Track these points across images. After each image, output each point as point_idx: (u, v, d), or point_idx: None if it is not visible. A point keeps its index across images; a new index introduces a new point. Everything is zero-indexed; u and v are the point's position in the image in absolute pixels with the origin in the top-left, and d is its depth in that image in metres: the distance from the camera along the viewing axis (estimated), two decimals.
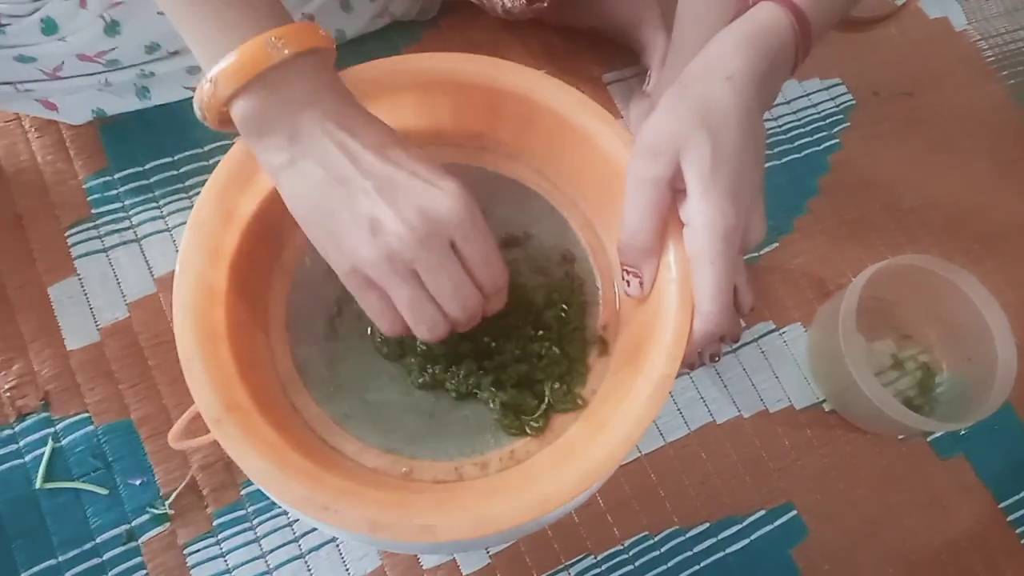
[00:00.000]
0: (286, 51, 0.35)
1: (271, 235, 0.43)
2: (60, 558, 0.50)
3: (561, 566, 0.54)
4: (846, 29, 0.77)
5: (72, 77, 0.55)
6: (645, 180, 0.39)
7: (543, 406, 0.43)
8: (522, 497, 0.36)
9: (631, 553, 0.56)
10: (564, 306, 0.45)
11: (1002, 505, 0.61)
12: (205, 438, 0.40)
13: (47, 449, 0.52)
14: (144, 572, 0.50)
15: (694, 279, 0.39)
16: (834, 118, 0.73)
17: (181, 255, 0.39)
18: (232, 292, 0.40)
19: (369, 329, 0.44)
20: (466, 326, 0.40)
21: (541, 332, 0.44)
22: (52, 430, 0.53)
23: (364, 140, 0.37)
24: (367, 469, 0.41)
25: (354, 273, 0.37)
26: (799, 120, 0.73)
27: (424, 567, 0.53)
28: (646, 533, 0.56)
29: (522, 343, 0.44)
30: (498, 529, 0.35)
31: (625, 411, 0.38)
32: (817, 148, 0.72)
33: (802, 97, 0.74)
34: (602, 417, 0.40)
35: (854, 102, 0.74)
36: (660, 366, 0.38)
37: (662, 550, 0.56)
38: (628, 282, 0.42)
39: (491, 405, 0.43)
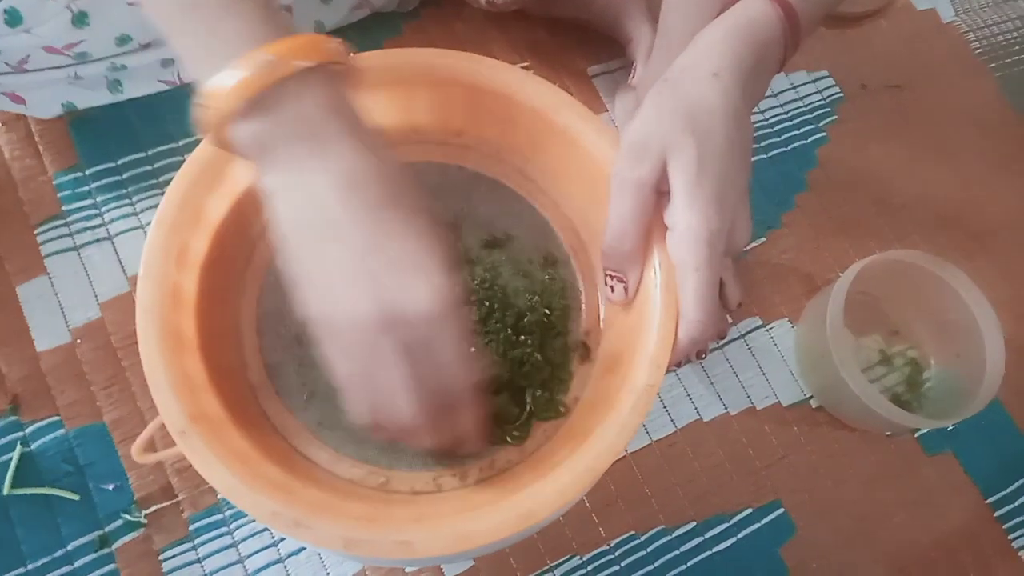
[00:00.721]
0: (282, 70, 0.31)
1: (241, 237, 0.42)
2: (29, 566, 0.49)
3: (547, 567, 0.54)
4: (834, 25, 0.76)
5: (39, 70, 0.53)
6: (630, 183, 0.38)
7: (524, 414, 0.42)
8: (503, 511, 0.34)
9: (617, 553, 0.55)
10: (546, 310, 0.44)
11: (990, 501, 0.61)
12: (171, 451, 0.39)
13: (15, 454, 0.50)
14: None
15: (679, 286, 0.38)
16: (822, 111, 0.73)
17: (145, 256, 0.38)
18: (202, 296, 0.39)
19: None
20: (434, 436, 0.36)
21: (522, 337, 0.43)
22: (21, 434, 0.51)
23: (366, 195, 0.33)
24: (342, 480, 0.39)
25: (317, 323, 0.34)
26: (786, 113, 0.72)
27: (407, 570, 0.52)
28: (632, 532, 0.55)
29: (503, 348, 0.43)
30: (478, 544, 0.34)
31: (609, 421, 0.37)
32: (804, 141, 0.71)
33: (789, 90, 0.73)
34: (585, 426, 0.39)
35: (842, 95, 0.74)
36: (645, 375, 0.37)
37: (649, 549, 0.55)
38: (612, 287, 0.41)
39: None
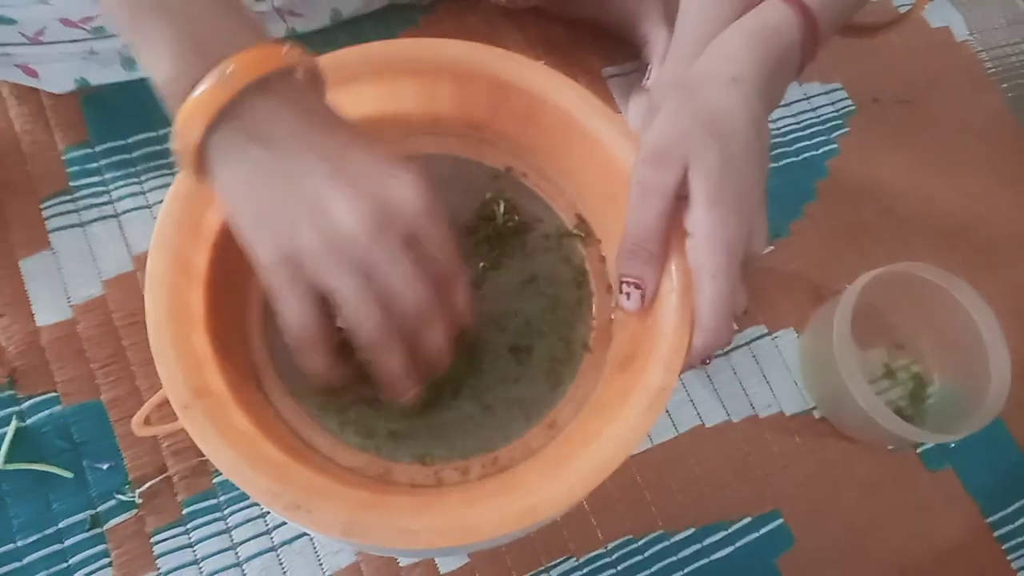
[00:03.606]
0: (238, 84, 0.31)
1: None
2: (19, 543, 0.48)
3: (542, 567, 0.53)
4: (849, 35, 0.76)
5: (55, 43, 0.53)
6: (651, 189, 0.38)
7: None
8: (508, 505, 0.34)
9: (614, 556, 0.54)
10: (557, 311, 0.44)
11: (989, 520, 0.60)
12: (172, 425, 0.39)
13: (11, 428, 0.50)
14: (108, 560, 0.48)
15: (696, 292, 0.38)
16: (833, 123, 0.73)
17: (158, 228, 0.37)
18: (211, 272, 0.39)
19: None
20: (426, 338, 0.35)
21: (530, 340, 0.43)
22: (17, 408, 0.51)
23: (313, 122, 0.33)
24: (342, 467, 0.39)
25: (284, 263, 0.32)
26: (798, 123, 0.72)
27: (401, 564, 0.51)
28: (630, 536, 0.55)
29: (512, 349, 0.42)
30: (482, 538, 0.33)
31: (620, 422, 0.36)
32: (815, 152, 0.71)
33: (802, 100, 0.73)
34: (593, 428, 0.39)
35: (854, 108, 0.74)
36: (659, 377, 0.37)
37: (646, 554, 0.55)
38: (628, 295, 0.40)
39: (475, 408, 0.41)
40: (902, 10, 0.72)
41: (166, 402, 0.35)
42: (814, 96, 0.73)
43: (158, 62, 0.32)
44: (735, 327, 0.62)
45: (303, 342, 0.35)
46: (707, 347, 0.38)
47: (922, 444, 0.61)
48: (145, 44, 0.32)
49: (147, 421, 0.41)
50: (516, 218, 0.46)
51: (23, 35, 0.51)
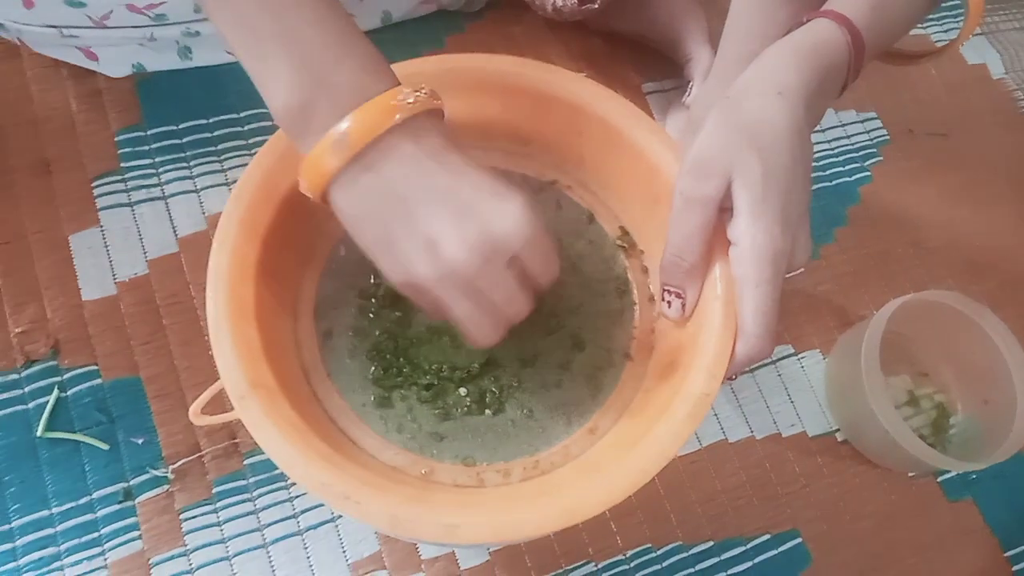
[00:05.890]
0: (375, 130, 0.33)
1: (308, 219, 0.43)
2: (54, 510, 0.49)
3: (561, 570, 0.53)
4: (888, 60, 0.77)
5: (118, 28, 0.55)
6: (694, 200, 0.38)
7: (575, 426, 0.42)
8: (548, 505, 0.35)
9: (632, 564, 0.54)
10: (599, 320, 0.45)
11: (1008, 554, 0.60)
12: (227, 416, 0.39)
13: (52, 398, 0.51)
14: (137, 532, 0.49)
15: (740, 301, 0.38)
16: (867, 151, 0.73)
17: (221, 225, 0.38)
18: (263, 271, 0.40)
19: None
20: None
21: (572, 347, 0.44)
22: (59, 379, 0.52)
23: (424, 144, 0.35)
24: (386, 466, 0.40)
25: (407, 287, 0.36)
26: (832, 149, 0.73)
27: (423, 557, 0.52)
28: (649, 545, 0.55)
29: (555, 356, 0.43)
30: (523, 535, 0.34)
31: (661, 428, 0.36)
32: (848, 179, 0.72)
33: (837, 127, 0.74)
34: (633, 434, 0.39)
35: (888, 137, 0.74)
36: (701, 384, 0.37)
37: (663, 564, 0.55)
38: (669, 303, 0.41)
39: (520, 413, 0.42)
40: (939, 44, 0.73)
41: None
42: (849, 123, 0.74)
43: (277, 91, 0.34)
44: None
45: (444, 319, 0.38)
46: (750, 357, 0.38)
47: (943, 473, 0.61)
48: (265, 71, 0.34)
49: (206, 410, 0.42)
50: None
51: (90, 18, 0.53)
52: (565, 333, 0.45)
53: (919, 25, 0.75)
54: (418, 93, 0.35)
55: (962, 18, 0.80)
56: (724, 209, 0.39)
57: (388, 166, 0.34)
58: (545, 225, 0.36)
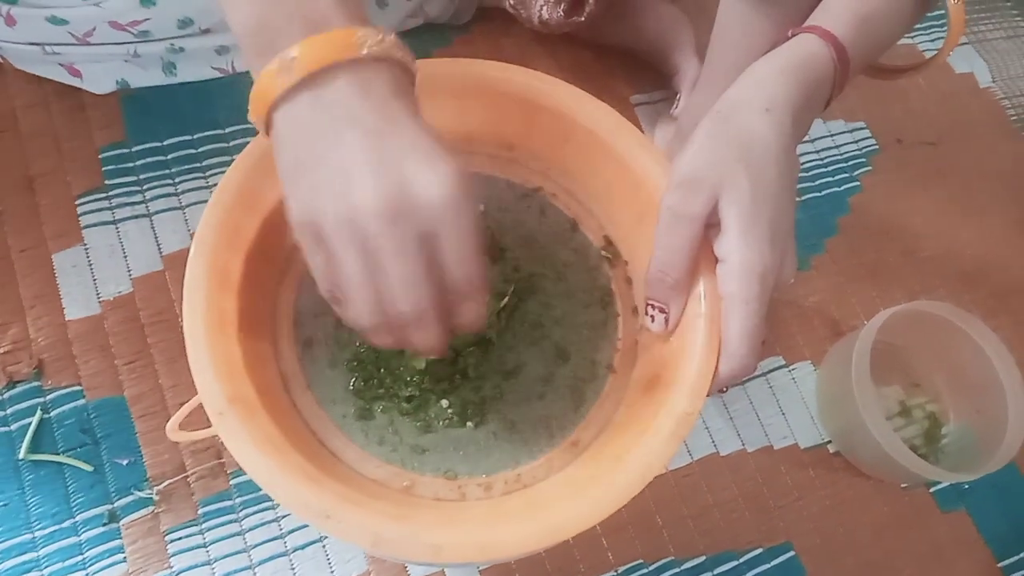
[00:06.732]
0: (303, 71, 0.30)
1: (288, 225, 0.42)
2: (37, 533, 0.48)
3: None
4: (874, 75, 0.77)
5: (101, 44, 0.55)
6: (682, 216, 0.38)
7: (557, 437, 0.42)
8: (532, 523, 0.34)
9: None
10: (583, 331, 0.44)
11: (1001, 564, 0.60)
12: (205, 432, 0.39)
13: (35, 419, 0.50)
14: (122, 555, 0.48)
15: (725, 318, 0.38)
16: (856, 161, 0.73)
17: (198, 234, 0.37)
18: (246, 281, 0.39)
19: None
20: (430, 338, 0.34)
21: (555, 359, 0.43)
22: (42, 400, 0.51)
23: (372, 88, 0.32)
24: (367, 479, 0.39)
25: (308, 225, 0.32)
26: (821, 160, 0.73)
27: (411, 574, 0.51)
28: (640, 561, 0.55)
29: (537, 368, 0.43)
30: (506, 555, 0.33)
31: (644, 446, 0.36)
32: (838, 189, 0.72)
33: (826, 137, 0.74)
34: (616, 449, 0.39)
35: (877, 147, 0.74)
36: (685, 402, 0.36)
37: None
38: (652, 317, 0.41)
39: (499, 427, 0.42)
40: (927, 55, 0.74)
41: (196, 409, 0.36)
42: (838, 134, 0.74)
43: (239, 7, 0.32)
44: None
45: (328, 296, 0.34)
46: (733, 374, 0.38)
47: (936, 483, 0.61)
48: None
49: (184, 426, 0.42)
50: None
51: (72, 35, 0.53)
52: (549, 343, 0.44)
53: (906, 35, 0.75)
54: (382, 39, 0.32)
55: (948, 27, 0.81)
56: (710, 225, 0.39)
57: (328, 94, 0.31)
58: (477, 217, 0.32)
